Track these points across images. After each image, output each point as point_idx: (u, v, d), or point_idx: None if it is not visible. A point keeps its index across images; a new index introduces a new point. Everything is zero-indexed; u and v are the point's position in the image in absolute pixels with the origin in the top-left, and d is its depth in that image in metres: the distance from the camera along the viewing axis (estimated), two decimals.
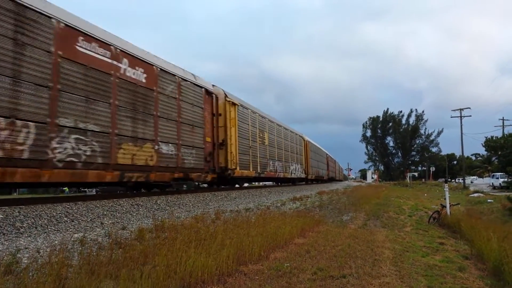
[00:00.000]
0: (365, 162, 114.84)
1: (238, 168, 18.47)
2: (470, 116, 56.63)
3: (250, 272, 5.98)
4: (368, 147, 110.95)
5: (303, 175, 34.55)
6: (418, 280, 6.12)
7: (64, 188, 38.04)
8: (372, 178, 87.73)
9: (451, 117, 57.91)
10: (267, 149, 24.02)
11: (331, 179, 60.03)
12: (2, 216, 7.45)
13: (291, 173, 29.93)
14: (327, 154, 55.67)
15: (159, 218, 8.97)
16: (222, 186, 19.90)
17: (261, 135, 23.03)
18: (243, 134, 19.72)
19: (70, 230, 7.65)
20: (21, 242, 6.32)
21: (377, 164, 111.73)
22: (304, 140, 36.41)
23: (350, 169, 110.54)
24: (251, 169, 20.68)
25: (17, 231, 7.09)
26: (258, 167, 22.05)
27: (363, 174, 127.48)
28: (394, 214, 15.43)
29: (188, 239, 6.58)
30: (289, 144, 29.94)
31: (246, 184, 27.17)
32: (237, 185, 21.31)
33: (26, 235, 6.94)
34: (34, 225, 7.53)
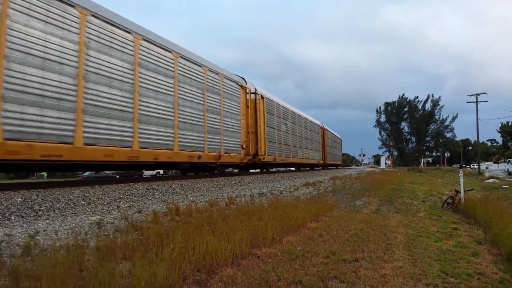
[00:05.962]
0: (379, 148, 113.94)
1: None
2: (486, 101, 55.66)
3: (263, 255, 6.05)
4: (382, 132, 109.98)
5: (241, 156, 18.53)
6: (431, 265, 6.12)
7: (42, 173, 39.31)
8: (386, 163, 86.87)
9: (467, 102, 56.89)
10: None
11: (331, 164, 47.00)
12: (20, 200, 7.63)
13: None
14: (322, 128, 40.94)
15: (173, 201, 9.09)
16: None
17: None
18: None
19: (87, 213, 7.81)
20: (39, 224, 6.48)
21: (391, 149, 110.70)
22: (254, 94, 20.62)
23: (364, 155, 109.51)
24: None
25: (35, 214, 7.26)
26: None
27: (376, 160, 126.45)
28: (408, 199, 15.35)
29: (202, 223, 6.67)
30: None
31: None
32: None
33: (44, 217, 7.11)
34: (52, 208, 7.70)
